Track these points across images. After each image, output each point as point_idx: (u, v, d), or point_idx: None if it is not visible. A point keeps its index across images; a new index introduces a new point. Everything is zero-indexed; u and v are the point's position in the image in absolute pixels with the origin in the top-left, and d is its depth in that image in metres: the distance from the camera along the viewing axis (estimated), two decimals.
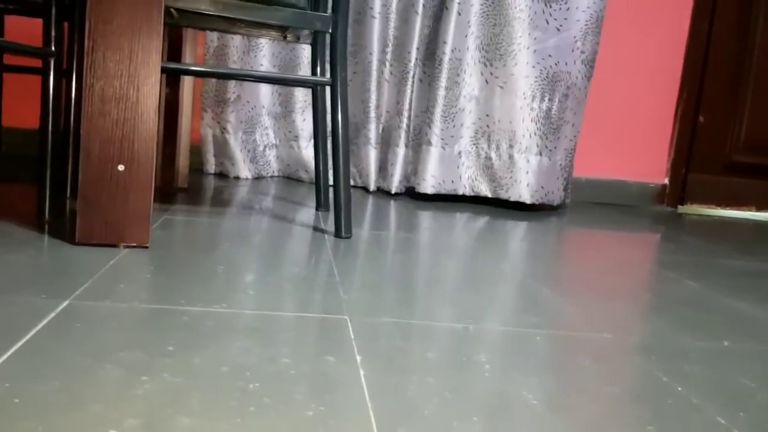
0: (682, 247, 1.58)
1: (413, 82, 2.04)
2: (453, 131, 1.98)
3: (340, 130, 1.24)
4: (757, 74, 2.40)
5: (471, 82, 1.97)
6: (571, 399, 0.59)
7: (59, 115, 1.31)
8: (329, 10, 1.24)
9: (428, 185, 1.96)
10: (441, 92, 1.95)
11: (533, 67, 1.95)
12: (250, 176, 2.13)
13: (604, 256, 1.33)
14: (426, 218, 1.62)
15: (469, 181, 2.00)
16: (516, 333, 0.77)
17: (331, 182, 1.95)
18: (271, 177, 2.19)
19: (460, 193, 1.99)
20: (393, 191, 2.03)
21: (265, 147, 2.15)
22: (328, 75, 1.64)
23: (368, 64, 2.03)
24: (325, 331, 0.71)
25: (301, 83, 1.30)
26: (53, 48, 1.15)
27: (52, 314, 0.68)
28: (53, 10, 1.14)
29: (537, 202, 1.98)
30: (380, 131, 2.09)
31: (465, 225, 1.57)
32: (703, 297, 1.06)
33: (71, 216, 1.19)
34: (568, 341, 0.76)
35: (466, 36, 1.95)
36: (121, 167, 0.97)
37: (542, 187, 1.98)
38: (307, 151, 2.14)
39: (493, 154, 2.00)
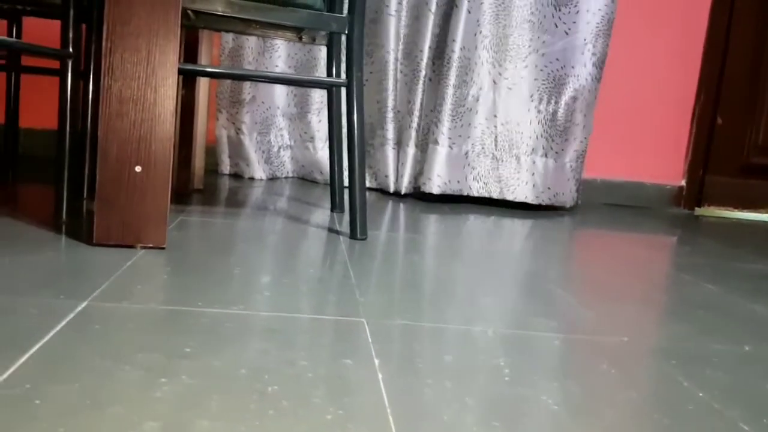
0: (700, 249, 1.56)
1: (425, 81, 2.02)
2: (461, 131, 1.98)
3: (355, 132, 1.23)
4: None
5: (478, 81, 1.97)
6: (591, 404, 0.59)
7: (77, 116, 1.32)
8: (345, 11, 1.23)
9: (434, 185, 1.95)
10: (449, 91, 1.94)
11: (541, 70, 1.97)
12: (264, 177, 2.13)
13: (620, 258, 1.32)
14: (437, 220, 1.61)
15: (475, 181, 2.00)
16: (534, 336, 0.76)
17: (345, 184, 1.95)
18: (286, 178, 2.20)
19: (465, 193, 1.99)
20: (403, 192, 2.02)
21: (279, 148, 2.16)
22: (343, 76, 1.64)
23: (385, 63, 2.01)
24: (342, 333, 0.71)
25: (317, 84, 1.30)
26: (71, 49, 1.16)
27: (71, 315, 0.68)
28: (71, 12, 1.15)
29: (543, 203, 2.00)
30: (396, 132, 2.09)
31: (476, 226, 1.57)
32: (722, 300, 1.05)
33: (88, 216, 1.20)
34: (586, 345, 0.75)
35: (475, 35, 1.94)
36: (138, 168, 0.97)
37: (549, 188, 1.99)
38: (323, 153, 2.14)
39: (498, 155, 2.00)
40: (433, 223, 1.55)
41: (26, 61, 1.97)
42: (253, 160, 2.11)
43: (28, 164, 1.90)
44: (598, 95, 2.33)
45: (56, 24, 2.10)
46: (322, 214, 1.51)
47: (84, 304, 0.72)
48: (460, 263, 1.12)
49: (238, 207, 1.50)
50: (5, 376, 0.52)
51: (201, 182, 1.72)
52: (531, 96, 1.98)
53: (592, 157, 2.37)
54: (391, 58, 2.00)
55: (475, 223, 1.62)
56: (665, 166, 2.41)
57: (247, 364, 0.60)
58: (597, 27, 1.95)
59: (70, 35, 1.16)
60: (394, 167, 2.06)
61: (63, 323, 0.65)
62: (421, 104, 2.03)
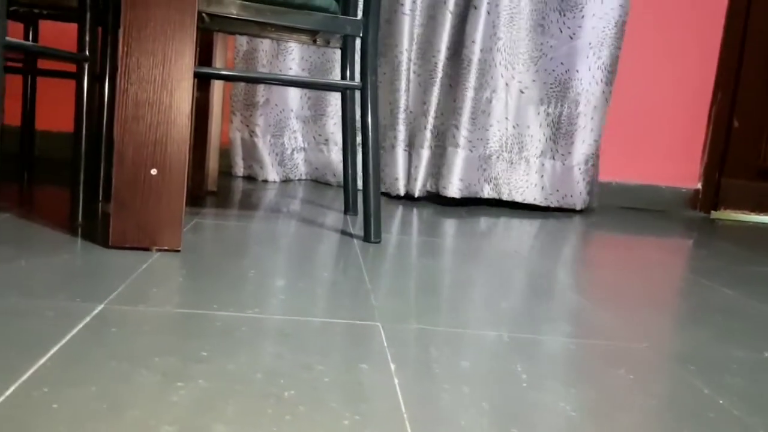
0: (716, 253, 1.55)
1: (441, 82, 2.01)
2: (479, 134, 1.99)
3: (369, 135, 1.23)
4: None
5: (492, 84, 2.00)
6: (609, 411, 0.58)
7: (93, 119, 1.33)
8: (359, 14, 1.23)
9: (455, 189, 1.95)
10: (469, 93, 1.94)
11: (549, 74, 2.02)
12: (277, 179, 2.14)
13: (636, 262, 1.31)
14: (449, 222, 1.61)
15: (487, 183, 2.02)
16: (550, 341, 0.76)
17: (359, 186, 1.95)
18: (299, 180, 2.20)
19: (479, 195, 2.01)
20: (417, 195, 2.01)
21: (293, 150, 2.16)
22: (358, 79, 1.64)
23: (398, 63, 1.99)
24: (358, 337, 0.71)
25: (331, 87, 1.30)
26: (88, 53, 1.16)
27: (88, 318, 0.68)
28: (88, 15, 1.16)
29: (552, 206, 2.04)
30: (408, 133, 2.08)
31: (488, 229, 1.56)
32: (740, 305, 1.04)
33: (104, 219, 1.20)
34: (603, 350, 0.75)
35: (491, 37, 1.97)
36: (154, 171, 0.98)
37: (557, 191, 2.03)
38: (337, 155, 2.14)
39: (509, 157, 2.03)
40: (445, 225, 1.55)
41: (43, 64, 1.99)
42: (267, 163, 2.12)
43: (44, 166, 1.91)
44: (612, 98, 2.32)
45: (72, 27, 2.12)
46: (335, 217, 1.51)
47: (100, 307, 0.72)
48: (474, 266, 1.12)
49: (251, 209, 1.50)
50: (23, 379, 0.53)
51: (215, 184, 1.73)
52: (540, 99, 2.03)
53: (608, 161, 2.35)
54: (404, 58, 1.98)
55: (488, 225, 1.62)
56: (681, 169, 2.39)
57: (262, 368, 0.60)
58: (603, 31, 1.99)
59: (87, 39, 1.16)
60: (405, 170, 2.04)
61: (80, 326, 0.66)
62: (437, 106, 2.01)
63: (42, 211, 1.23)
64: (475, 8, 1.92)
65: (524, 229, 1.63)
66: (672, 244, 1.64)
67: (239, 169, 2.17)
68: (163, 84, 0.97)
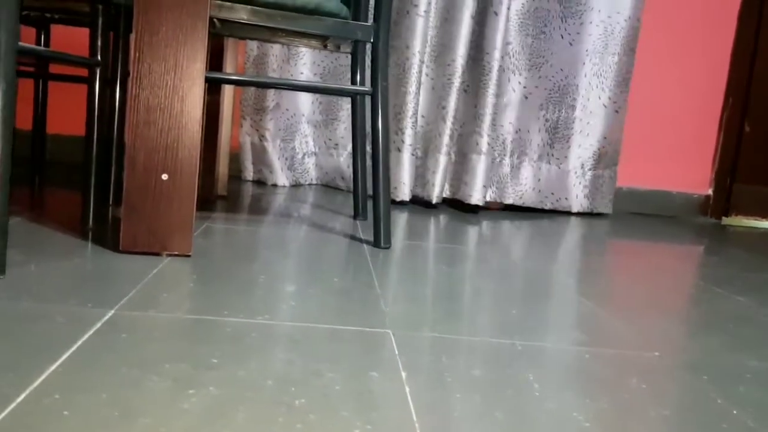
0: (728, 260, 1.54)
1: (459, 87, 1.98)
2: (498, 140, 2.06)
3: (380, 140, 1.23)
4: None
5: (508, 90, 2.05)
6: (623, 421, 0.58)
7: (104, 123, 1.33)
8: (370, 19, 1.23)
9: (479, 196, 1.96)
10: (490, 100, 1.95)
11: (549, 79, 2.07)
12: (287, 184, 2.14)
13: (648, 269, 1.30)
14: (456, 227, 1.60)
15: (491, 187, 2.08)
16: (563, 350, 0.75)
17: (369, 191, 1.95)
18: (309, 185, 2.20)
19: (507, 202, 2.09)
20: (434, 201, 1.98)
21: (304, 155, 2.16)
22: (368, 84, 1.65)
23: (409, 66, 1.96)
24: (369, 345, 0.70)
25: (340, 92, 1.30)
26: (100, 58, 1.17)
27: (99, 324, 0.68)
28: (100, 20, 1.16)
29: (546, 208, 2.11)
30: (416, 138, 2.07)
31: (495, 233, 1.55)
32: (753, 313, 1.03)
33: (114, 223, 1.20)
34: (617, 360, 0.74)
35: (507, 44, 2.01)
36: (165, 176, 0.98)
37: (552, 194, 2.11)
38: (347, 160, 2.14)
39: (511, 161, 2.09)
40: (454, 230, 1.54)
41: (54, 68, 2.00)
42: (276, 167, 2.12)
43: (55, 170, 1.92)
44: (621, 104, 2.31)
45: (84, 31, 2.13)
46: (344, 222, 1.50)
47: (111, 313, 0.72)
48: (486, 272, 1.11)
49: (261, 214, 1.50)
50: (35, 385, 0.53)
51: (225, 188, 1.73)
52: (540, 105, 2.08)
53: (618, 166, 2.34)
54: (416, 60, 1.94)
55: (493, 229, 1.61)
56: (692, 174, 2.38)
57: (273, 375, 0.60)
58: (602, 38, 2.04)
59: (99, 43, 1.17)
60: (411, 174, 2.00)
61: (90, 332, 0.66)
62: (456, 111, 1.99)
63: (53, 215, 1.23)
64: (496, 14, 1.91)
65: (534, 234, 1.62)
66: (683, 250, 1.63)
67: (249, 173, 2.17)
68: (175, 89, 0.97)
